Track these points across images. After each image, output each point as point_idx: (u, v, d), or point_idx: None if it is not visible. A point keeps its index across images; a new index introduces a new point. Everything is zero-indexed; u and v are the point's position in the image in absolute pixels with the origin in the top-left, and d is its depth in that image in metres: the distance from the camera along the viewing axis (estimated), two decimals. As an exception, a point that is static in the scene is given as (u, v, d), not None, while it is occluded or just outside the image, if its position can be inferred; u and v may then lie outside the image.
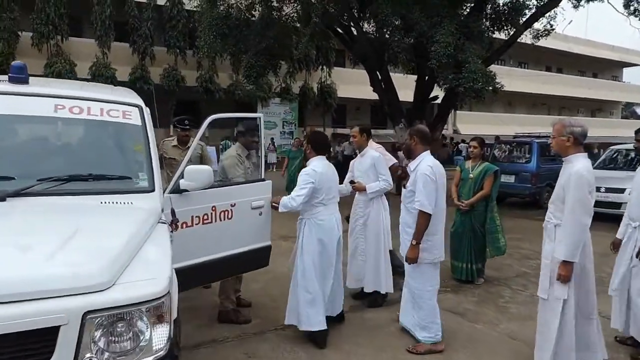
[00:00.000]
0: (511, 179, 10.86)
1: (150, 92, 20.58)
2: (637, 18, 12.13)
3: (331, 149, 9.30)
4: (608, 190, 8.80)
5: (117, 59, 20.01)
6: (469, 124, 29.67)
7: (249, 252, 3.76)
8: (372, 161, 4.54)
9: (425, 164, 3.60)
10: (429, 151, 3.71)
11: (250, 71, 12.60)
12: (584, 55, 37.02)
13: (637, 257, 3.59)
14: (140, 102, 3.30)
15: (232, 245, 3.64)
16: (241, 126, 4.39)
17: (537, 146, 10.70)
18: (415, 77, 14.86)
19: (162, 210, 2.72)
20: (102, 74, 19.33)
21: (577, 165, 3.03)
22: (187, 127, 5.05)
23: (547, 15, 13.22)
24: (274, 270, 4.59)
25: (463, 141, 20.78)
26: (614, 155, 10.68)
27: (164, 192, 3.03)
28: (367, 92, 16.13)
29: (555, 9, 13.08)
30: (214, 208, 3.50)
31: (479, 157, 5.41)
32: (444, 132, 15.02)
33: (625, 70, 44.62)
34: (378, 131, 28.14)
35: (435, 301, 3.71)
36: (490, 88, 10.18)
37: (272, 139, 23.04)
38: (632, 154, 10.42)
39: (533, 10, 12.89)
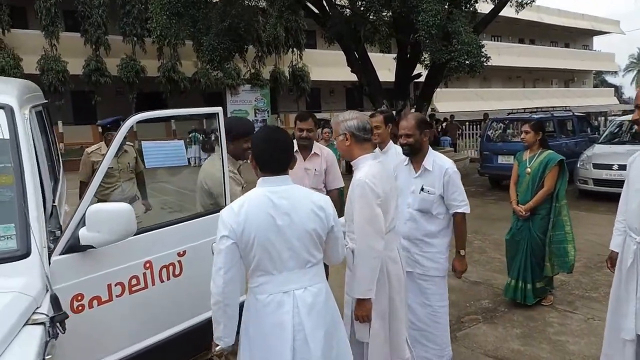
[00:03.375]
0: (509, 159, 9.93)
1: (108, 86, 19.10)
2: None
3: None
4: (621, 167, 7.92)
5: (68, 51, 18.26)
6: (446, 101, 28.85)
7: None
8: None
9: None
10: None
11: (213, 55, 11.20)
12: (555, 26, 36.59)
13: None
14: (10, 99, 2.04)
15: (183, 318, 2.49)
16: (228, 126, 2.97)
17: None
18: (393, 56, 13.80)
19: (48, 291, 1.57)
20: (51, 68, 17.64)
21: (360, 172, 2.36)
22: (113, 130, 4.28)
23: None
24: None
25: (445, 119, 19.64)
26: (618, 129, 9.86)
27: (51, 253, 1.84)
28: (341, 74, 15.04)
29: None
30: (148, 264, 2.30)
31: (537, 144, 4.08)
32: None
33: (596, 38, 44.55)
34: (354, 114, 27.12)
35: None
36: (484, 61, 9.17)
37: None
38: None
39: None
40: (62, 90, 18.11)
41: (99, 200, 4.06)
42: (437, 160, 2.89)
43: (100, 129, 4.43)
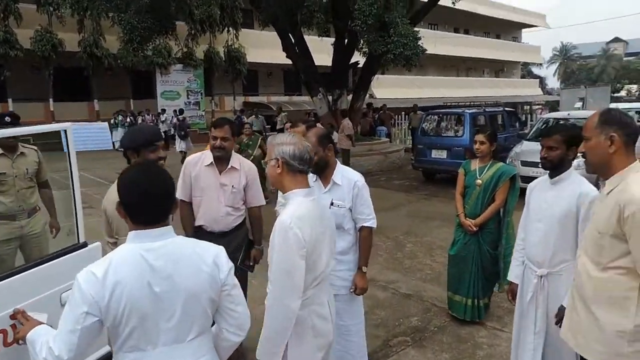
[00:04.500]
0: (443, 154, 9.95)
1: (20, 60, 17.26)
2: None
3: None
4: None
5: (-30, 19, 16.26)
6: (383, 88, 28.98)
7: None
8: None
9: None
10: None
11: (132, 34, 10.22)
12: (488, 17, 37.76)
13: (557, 323, 2.40)
14: None
15: None
16: (128, 139, 2.61)
17: (470, 117, 9.83)
18: (331, 40, 13.39)
19: None
20: (-51, 38, 15.59)
21: (285, 212, 1.97)
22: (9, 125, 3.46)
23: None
24: None
25: (379, 109, 19.22)
26: (544, 126, 10.11)
27: None
28: (279, 57, 14.40)
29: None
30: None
31: (489, 155, 3.84)
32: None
33: (524, 31, 46.58)
34: (292, 98, 26.58)
35: None
36: (420, 53, 9.00)
37: (177, 111, 19.76)
38: (563, 123, 9.93)
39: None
40: (-38, 63, 16.17)
41: None
42: (346, 174, 2.82)
43: None
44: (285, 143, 2.01)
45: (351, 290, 2.79)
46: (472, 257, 3.87)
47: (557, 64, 62.88)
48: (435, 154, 10.09)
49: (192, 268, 1.54)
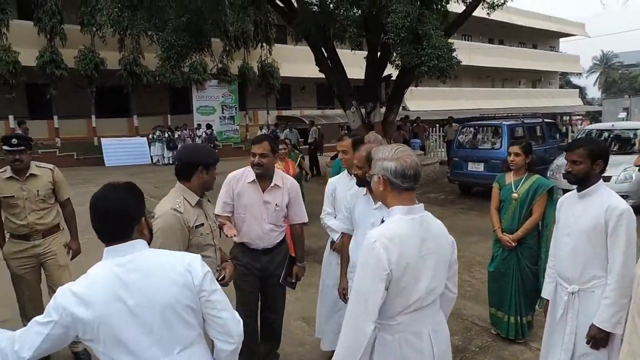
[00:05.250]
0: (479, 167, 9.71)
1: (64, 79, 18.02)
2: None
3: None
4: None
5: (20, 40, 17.14)
6: (417, 100, 28.74)
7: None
8: None
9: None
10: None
11: (169, 52, 10.49)
12: (523, 27, 37.05)
13: (588, 343, 2.34)
14: None
15: None
16: (199, 154, 2.55)
17: (508, 129, 9.57)
18: (364, 53, 13.38)
19: None
20: (1, 59, 16.44)
21: (379, 228, 1.85)
22: (17, 148, 3.38)
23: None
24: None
25: (413, 122, 19.11)
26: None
27: None
28: (312, 71, 14.49)
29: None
30: None
31: (524, 167, 3.73)
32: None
33: (562, 40, 45.44)
34: (325, 111, 26.69)
35: None
36: (455, 65, 8.86)
37: (206, 126, 20.51)
38: (607, 134, 9.55)
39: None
40: (13, 83, 16.98)
41: (12, 236, 3.52)
42: None
43: (5, 147, 3.38)
44: (387, 159, 1.85)
45: None
46: (512, 273, 3.74)
47: (598, 73, 60.90)
48: (472, 166, 9.85)
49: (165, 279, 1.54)
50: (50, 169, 3.62)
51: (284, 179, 3.23)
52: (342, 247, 3.05)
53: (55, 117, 19.12)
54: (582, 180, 2.45)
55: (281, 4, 11.95)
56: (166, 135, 19.59)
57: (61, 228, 3.73)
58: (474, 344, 3.82)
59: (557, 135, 11.42)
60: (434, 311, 1.93)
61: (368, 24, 11.43)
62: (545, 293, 2.73)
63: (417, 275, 1.81)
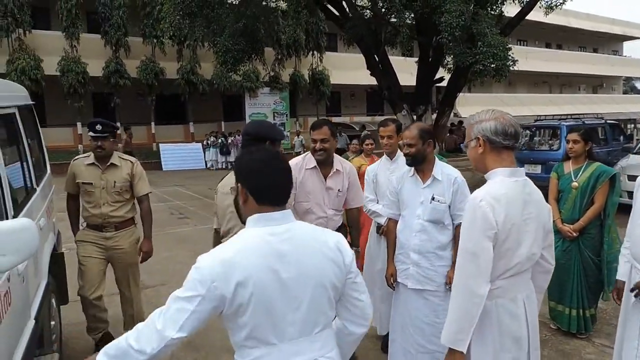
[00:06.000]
0: (537, 169, 9.41)
1: (127, 88, 19.10)
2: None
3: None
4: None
5: (88, 52, 18.33)
6: (469, 106, 28.13)
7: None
8: None
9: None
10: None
11: (226, 56, 10.91)
12: (583, 30, 35.57)
13: None
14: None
15: None
16: (267, 130, 2.59)
17: (567, 129, 9.20)
18: (415, 59, 13.35)
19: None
20: (71, 69, 17.69)
21: (481, 189, 1.82)
22: (101, 134, 3.33)
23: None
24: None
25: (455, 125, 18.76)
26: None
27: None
28: (362, 78, 14.62)
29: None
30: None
31: (584, 155, 3.61)
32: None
33: (626, 44, 43.19)
34: (375, 118, 26.67)
35: None
36: (511, 65, 8.66)
37: None
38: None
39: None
40: (81, 92, 18.17)
41: (87, 225, 3.51)
42: (445, 170, 2.82)
43: (90, 133, 3.34)
44: (486, 120, 1.85)
45: (447, 286, 2.69)
46: (574, 265, 3.63)
47: (666, 77, 57.24)
48: (528, 168, 9.55)
49: (319, 253, 1.45)
50: (132, 162, 3.53)
51: (343, 163, 3.24)
52: (388, 232, 3.07)
53: (119, 124, 20.22)
54: None
55: (333, 10, 12.15)
56: (220, 141, 20.23)
57: (135, 223, 3.63)
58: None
59: (621, 138, 10.88)
60: (528, 278, 1.93)
61: (420, 26, 11.41)
62: (620, 274, 2.59)
63: (520, 239, 1.80)
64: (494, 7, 9.81)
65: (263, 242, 1.39)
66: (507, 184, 1.80)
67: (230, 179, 2.58)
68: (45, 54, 17.64)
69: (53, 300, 3.18)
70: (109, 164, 3.41)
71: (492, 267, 1.78)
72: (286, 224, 1.44)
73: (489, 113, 1.87)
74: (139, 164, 3.59)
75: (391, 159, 3.66)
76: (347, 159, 7.97)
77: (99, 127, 3.31)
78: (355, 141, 6.91)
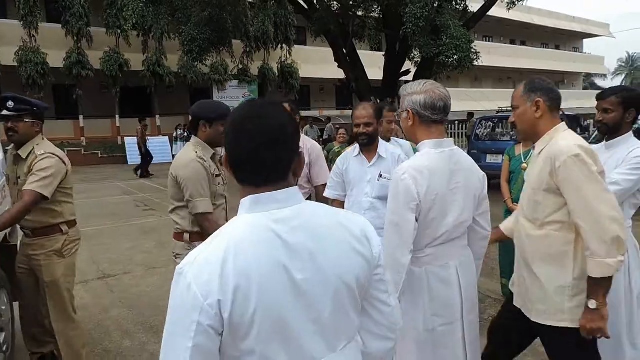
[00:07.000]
0: (498, 158, 9.66)
1: (90, 80, 18.56)
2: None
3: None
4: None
5: (48, 42, 17.73)
6: (437, 101, 28.63)
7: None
8: None
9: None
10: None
11: (192, 45, 10.77)
12: (546, 27, 36.65)
13: None
14: None
15: None
16: (201, 109, 2.53)
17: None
18: (382, 53, 13.50)
19: None
20: (30, 60, 17.08)
21: (406, 162, 1.97)
22: (14, 113, 2.62)
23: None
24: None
25: None
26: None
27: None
28: (331, 72, 14.66)
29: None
30: None
31: (625, 128, 3.74)
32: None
33: (585, 41, 44.72)
34: (344, 112, 26.79)
35: None
36: (475, 58, 8.87)
37: None
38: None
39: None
40: (41, 83, 17.55)
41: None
42: (389, 148, 2.91)
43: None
44: (416, 92, 1.88)
45: None
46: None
47: (624, 75, 59.59)
48: (490, 158, 9.82)
49: (342, 244, 1.06)
50: (38, 155, 2.66)
51: (306, 142, 3.33)
52: None
53: (81, 117, 19.67)
54: (613, 129, 2.43)
55: (301, 1, 12.14)
56: (186, 134, 19.92)
57: (62, 231, 2.81)
58: (487, 314, 3.85)
59: (578, 129, 11.28)
60: (461, 245, 1.98)
61: (387, 19, 11.54)
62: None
63: (446, 208, 1.85)
64: (459, 1, 10.00)
65: (266, 232, 0.99)
66: (432, 156, 1.85)
67: (185, 153, 2.54)
68: (2, 43, 16.97)
69: (4, 296, 3.01)
70: (15, 153, 2.73)
71: (419, 236, 1.84)
72: (294, 206, 1.03)
73: (421, 85, 1.90)
74: (48, 159, 2.64)
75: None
76: (331, 149, 8.00)
77: (10, 103, 2.60)
78: (342, 130, 7.01)
